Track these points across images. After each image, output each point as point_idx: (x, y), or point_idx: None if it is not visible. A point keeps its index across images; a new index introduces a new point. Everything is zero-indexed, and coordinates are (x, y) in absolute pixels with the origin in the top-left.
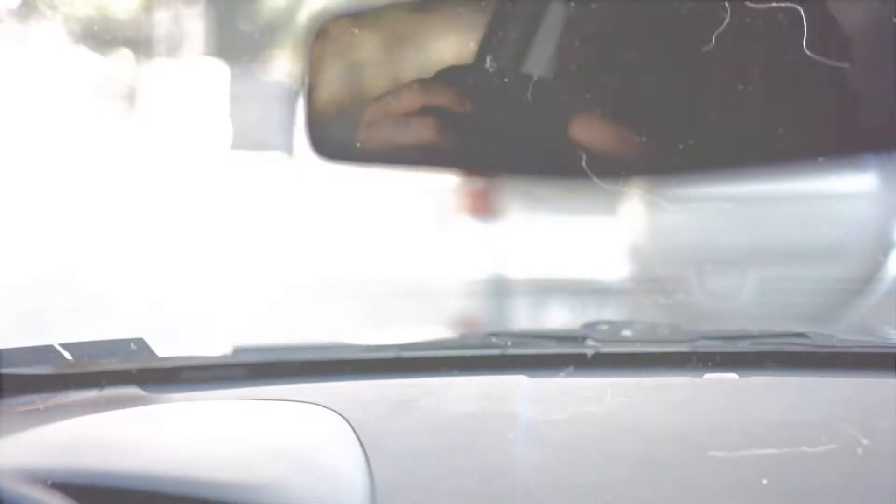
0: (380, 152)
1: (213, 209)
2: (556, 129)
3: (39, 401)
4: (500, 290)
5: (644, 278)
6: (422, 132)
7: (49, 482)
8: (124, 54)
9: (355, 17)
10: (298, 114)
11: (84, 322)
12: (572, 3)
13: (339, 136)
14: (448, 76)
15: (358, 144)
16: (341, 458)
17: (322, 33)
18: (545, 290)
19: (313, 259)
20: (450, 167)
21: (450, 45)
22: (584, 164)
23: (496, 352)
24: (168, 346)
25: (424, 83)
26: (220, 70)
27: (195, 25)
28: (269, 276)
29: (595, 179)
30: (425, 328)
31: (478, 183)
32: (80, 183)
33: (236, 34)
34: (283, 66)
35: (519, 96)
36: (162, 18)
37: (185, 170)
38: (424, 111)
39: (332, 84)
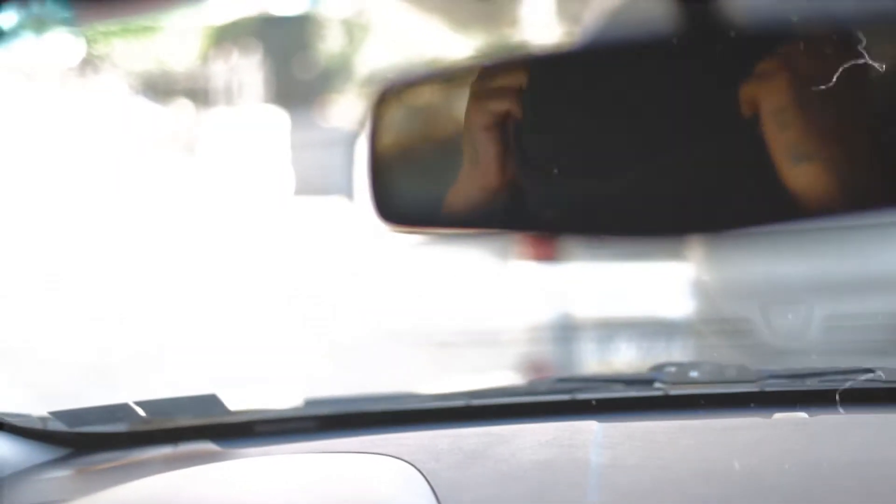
0: (445, 217)
1: (278, 258)
2: (621, 182)
3: (115, 458)
4: (566, 334)
5: (709, 318)
6: (484, 198)
7: None
8: (185, 104)
9: (416, 82)
10: (358, 157)
11: (155, 379)
12: (633, 63)
13: (403, 203)
14: (516, 136)
15: (424, 211)
16: None
17: (383, 99)
18: (611, 332)
19: (379, 309)
20: (516, 229)
21: (511, 108)
22: (648, 220)
23: (566, 397)
24: (240, 401)
25: (489, 147)
26: (279, 117)
27: (253, 75)
28: (336, 327)
29: (659, 237)
30: (494, 375)
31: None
32: (148, 233)
33: (294, 82)
34: (341, 113)
35: (579, 153)
36: (220, 69)
37: (250, 217)
38: (487, 172)
39: (395, 149)
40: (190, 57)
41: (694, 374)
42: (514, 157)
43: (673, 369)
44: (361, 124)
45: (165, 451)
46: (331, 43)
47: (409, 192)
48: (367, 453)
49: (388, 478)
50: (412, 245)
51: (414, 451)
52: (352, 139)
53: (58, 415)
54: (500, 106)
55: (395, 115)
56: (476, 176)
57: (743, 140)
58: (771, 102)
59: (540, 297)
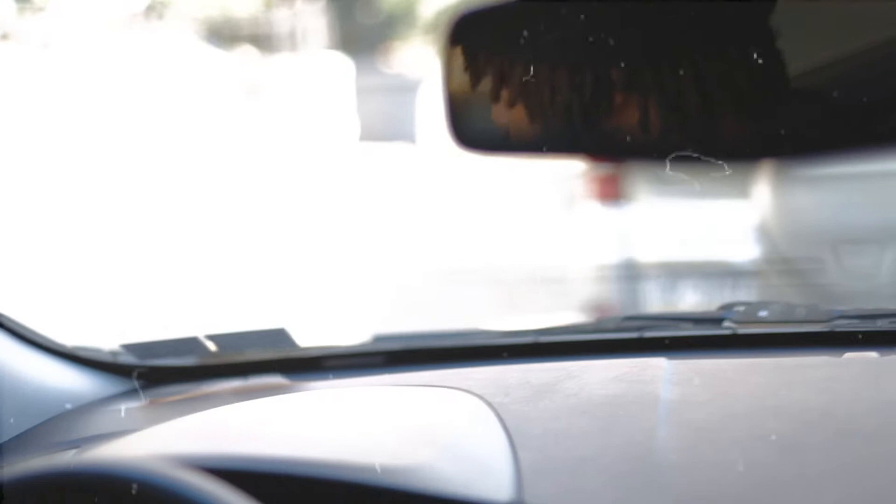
0: (517, 140)
1: (348, 201)
2: (689, 111)
3: (184, 391)
4: (631, 274)
5: (778, 259)
6: (555, 119)
7: (197, 469)
8: (250, 51)
9: (491, 8)
10: (421, 104)
11: (225, 313)
12: None
13: (476, 125)
14: (582, 64)
15: (495, 133)
16: (486, 442)
17: (458, 24)
18: (677, 273)
19: (446, 248)
20: (586, 153)
21: (583, 33)
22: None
23: (633, 335)
24: (309, 336)
25: (559, 70)
26: (343, 64)
27: (318, 21)
28: (404, 266)
29: (728, 163)
30: (560, 314)
31: (606, 168)
32: (216, 177)
33: (357, 28)
34: (405, 58)
35: (653, 81)
36: (285, 15)
37: (318, 162)
38: (558, 98)
39: (469, 74)
40: (255, 3)
41: (763, 313)
42: (584, 83)
43: (742, 308)
44: (435, 58)
45: (234, 384)
46: None
47: (484, 117)
48: (436, 386)
49: (457, 410)
50: (477, 185)
51: (483, 385)
52: (415, 85)
53: (128, 348)
54: (572, 32)
55: (470, 39)
56: (547, 101)
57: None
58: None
59: (606, 238)
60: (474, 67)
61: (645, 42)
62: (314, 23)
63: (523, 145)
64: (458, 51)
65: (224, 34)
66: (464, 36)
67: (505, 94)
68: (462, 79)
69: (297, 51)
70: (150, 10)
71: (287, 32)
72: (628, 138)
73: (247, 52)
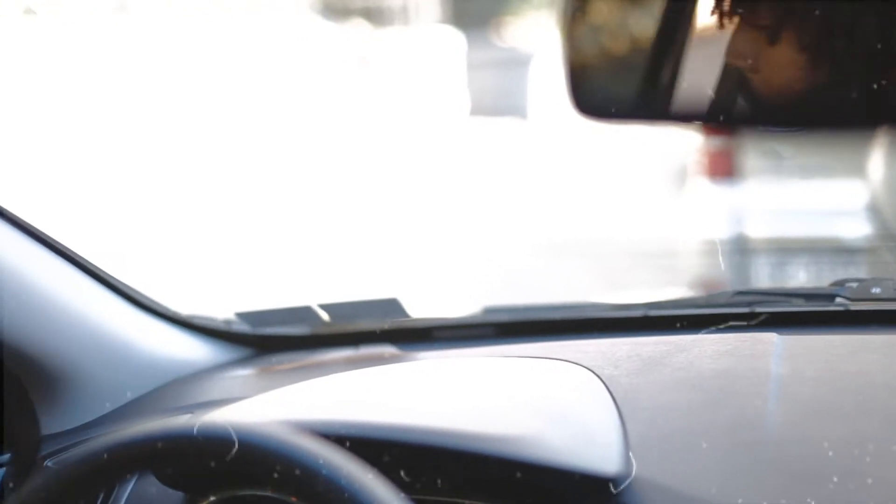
0: (638, 108)
1: (457, 174)
2: (812, 77)
3: (296, 359)
4: (742, 250)
5: (888, 237)
6: (679, 85)
7: (311, 434)
8: (363, 25)
9: None
10: (534, 79)
11: (338, 284)
12: None
13: (598, 92)
14: (703, 31)
15: (618, 100)
16: (595, 413)
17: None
18: (788, 250)
19: (558, 222)
20: (707, 120)
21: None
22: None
23: (744, 310)
24: (420, 307)
25: (688, 34)
26: (454, 37)
27: None
28: (513, 239)
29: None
30: (669, 289)
31: (719, 143)
32: (329, 149)
33: (470, 2)
34: (518, 33)
35: (778, 45)
36: None
37: (428, 136)
38: (679, 65)
39: (590, 41)
40: None
41: (876, 290)
42: (714, 51)
43: (854, 285)
44: (549, 28)
45: (345, 353)
46: None
47: (606, 83)
48: (546, 358)
49: (567, 381)
50: (589, 160)
51: (593, 357)
52: (527, 60)
53: (242, 316)
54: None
55: (592, 10)
56: (675, 66)
57: None
58: None
59: (717, 213)
60: (598, 31)
61: (780, 8)
62: None
63: (647, 112)
64: (582, 13)
65: (337, 8)
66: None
67: (630, 58)
68: (584, 43)
69: (408, 25)
70: None
71: (399, 6)
72: (756, 104)
73: (359, 26)
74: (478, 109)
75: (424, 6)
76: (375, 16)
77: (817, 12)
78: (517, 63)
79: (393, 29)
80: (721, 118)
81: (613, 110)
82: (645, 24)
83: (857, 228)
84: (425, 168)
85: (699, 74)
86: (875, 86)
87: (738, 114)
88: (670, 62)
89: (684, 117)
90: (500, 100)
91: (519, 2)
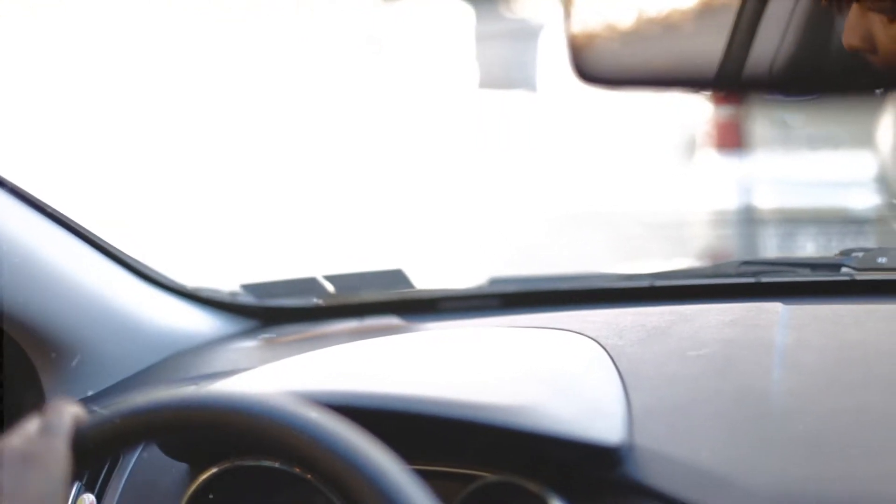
0: (642, 73)
1: (466, 146)
2: (824, 41)
3: (301, 331)
4: (750, 220)
5: (892, 216)
6: (684, 50)
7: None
8: None
9: None
10: (543, 50)
11: (343, 255)
12: None
13: (601, 57)
14: None
15: (620, 65)
16: (599, 383)
17: None
18: (795, 220)
19: (564, 193)
20: (714, 86)
21: None
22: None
23: (750, 279)
24: (426, 278)
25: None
26: (463, 9)
27: None
28: (519, 210)
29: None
30: (677, 259)
31: (728, 114)
32: (336, 120)
33: None
34: (527, 4)
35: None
36: None
37: (436, 109)
38: (686, 29)
39: (594, 8)
40: None
41: (882, 259)
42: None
43: (860, 254)
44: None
45: (351, 324)
46: None
47: (607, 48)
48: (550, 328)
49: (571, 351)
50: (595, 131)
51: (598, 327)
52: (537, 31)
53: (247, 288)
54: None
55: None
56: (679, 29)
57: None
58: None
59: (725, 184)
60: None
61: None
62: None
63: (650, 78)
64: None
65: None
66: None
67: (632, 23)
68: (587, 8)
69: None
70: None
71: None
72: (764, 68)
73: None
74: (487, 82)
75: None
76: None
77: None
78: (527, 35)
79: (401, 2)
80: (732, 83)
81: (618, 75)
82: None
83: (865, 199)
84: (435, 141)
85: (710, 39)
86: None
87: (752, 79)
88: (680, 22)
89: (694, 83)
90: (509, 72)
91: None
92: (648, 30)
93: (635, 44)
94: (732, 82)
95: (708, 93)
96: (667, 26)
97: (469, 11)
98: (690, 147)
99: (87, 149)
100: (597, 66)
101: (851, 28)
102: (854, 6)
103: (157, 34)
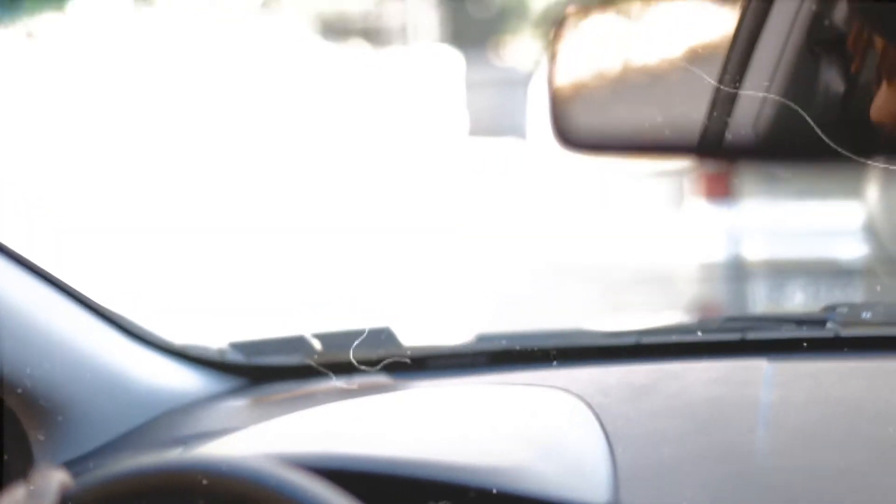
0: (624, 140)
1: (455, 195)
2: (804, 108)
3: (290, 389)
4: (738, 273)
5: (884, 259)
6: (666, 117)
7: (302, 467)
8: (362, 45)
9: (595, 7)
10: (531, 98)
11: (330, 313)
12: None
13: (583, 125)
14: (696, 60)
15: (603, 133)
16: (584, 443)
17: (564, 23)
18: (785, 271)
19: (551, 245)
20: (695, 153)
21: (692, 30)
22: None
23: (735, 336)
24: (413, 335)
25: (666, 69)
26: (453, 57)
27: (429, 15)
28: (506, 264)
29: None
30: (664, 313)
31: (715, 165)
32: (326, 169)
33: (469, 21)
34: (516, 52)
35: (766, 78)
36: (396, 10)
37: (423, 155)
38: (662, 95)
39: (576, 73)
40: None
41: (867, 315)
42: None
43: (845, 310)
44: (542, 53)
45: (339, 382)
46: None
47: (589, 115)
48: (538, 386)
49: (557, 410)
50: (583, 180)
51: (584, 385)
52: (526, 79)
53: (236, 346)
54: (694, 36)
55: (577, 42)
56: (658, 97)
57: None
58: None
59: (714, 236)
60: (582, 63)
61: (774, 41)
62: (425, 17)
63: (632, 145)
64: (568, 46)
65: (336, 28)
66: (573, 31)
67: (614, 90)
68: (570, 75)
69: (408, 45)
70: (264, 5)
71: (398, 26)
72: (748, 135)
73: (359, 45)
74: (477, 129)
75: (423, 26)
76: (374, 36)
77: None
78: (515, 82)
79: (392, 49)
80: (714, 151)
81: (599, 142)
82: (638, 53)
83: (854, 249)
84: (424, 188)
85: (693, 105)
86: None
87: (731, 145)
88: (667, 91)
89: (677, 150)
90: (498, 119)
91: (517, 21)
92: (630, 96)
93: (617, 110)
94: (718, 149)
95: (692, 160)
96: (648, 92)
97: (460, 59)
98: (679, 196)
99: (60, 195)
100: (579, 133)
101: (880, 107)
102: (884, 85)
103: (144, 84)
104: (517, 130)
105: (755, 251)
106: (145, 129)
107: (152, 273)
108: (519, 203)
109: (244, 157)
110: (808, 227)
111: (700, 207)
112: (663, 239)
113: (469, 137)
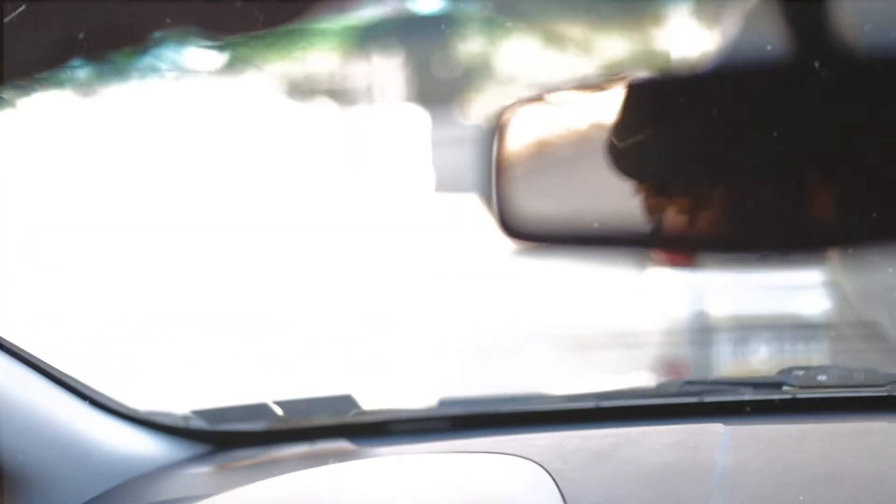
0: (570, 231)
1: (412, 255)
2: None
3: (254, 456)
4: (700, 336)
5: (845, 321)
6: (616, 208)
7: None
8: (328, 105)
9: (542, 101)
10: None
11: (291, 378)
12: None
13: (530, 218)
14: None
15: (550, 227)
16: None
17: (508, 117)
18: (746, 334)
19: (513, 309)
20: (646, 247)
21: (636, 120)
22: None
23: (693, 399)
24: (375, 400)
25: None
26: (419, 116)
27: (395, 75)
28: (468, 327)
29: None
30: (624, 376)
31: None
32: (289, 230)
33: (435, 81)
34: (481, 111)
35: (715, 167)
36: (363, 70)
37: (386, 213)
38: (612, 188)
39: (521, 167)
40: (333, 59)
41: (822, 377)
42: (647, 176)
43: (801, 373)
44: (487, 135)
45: (302, 448)
46: (471, 43)
47: (535, 206)
48: (497, 453)
49: (516, 478)
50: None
51: (542, 451)
52: (490, 137)
53: (199, 413)
54: (633, 127)
55: (520, 133)
56: (605, 195)
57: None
58: None
59: (675, 299)
60: (526, 155)
61: (709, 129)
62: (391, 77)
63: (579, 237)
64: (511, 138)
65: (302, 89)
66: (517, 122)
67: (560, 183)
68: (513, 167)
69: (374, 104)
70: (228, 65)
71: (364, 86)
72: (704, 231)
73: (325, 105)
74: (442, 186)
75: (389, 86)
76: (341, 96)
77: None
78: (480, 140)
79: (358, 108)
80: (665, 245)
81: (545, 233)
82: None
83: (817, 303)
84: (387, 245)
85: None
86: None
87: (686, 240)
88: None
89: (626, 245)
90: (463, 175)
91: (481, 80)
92: (578, 186)
93: (564, 200)
94: (674, 242)
95: (647, 254)
96: (596, 180)
97: (425, 117)
98: (642, 262)
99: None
100: (523, 223)
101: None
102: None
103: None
104: (483, 188)
105: (718, 306)
106: (110, 190)
107: (110, 341)
108: (483, 258)
109: (209, 217)
110: (771, 281)
111: (662, 272)
112: (628, 298)
113: (434, 193)
